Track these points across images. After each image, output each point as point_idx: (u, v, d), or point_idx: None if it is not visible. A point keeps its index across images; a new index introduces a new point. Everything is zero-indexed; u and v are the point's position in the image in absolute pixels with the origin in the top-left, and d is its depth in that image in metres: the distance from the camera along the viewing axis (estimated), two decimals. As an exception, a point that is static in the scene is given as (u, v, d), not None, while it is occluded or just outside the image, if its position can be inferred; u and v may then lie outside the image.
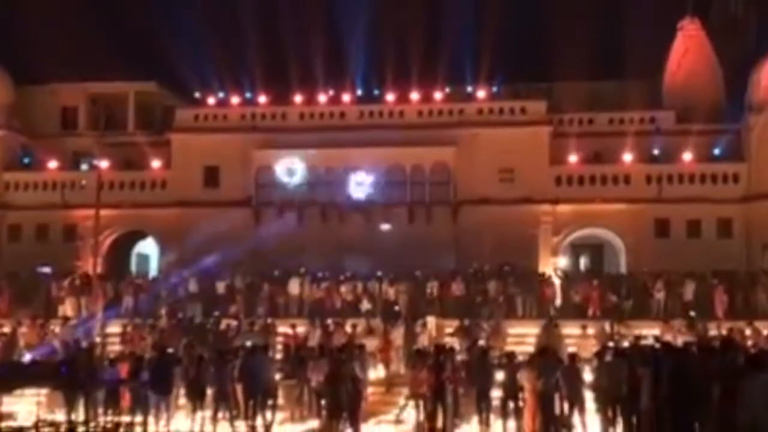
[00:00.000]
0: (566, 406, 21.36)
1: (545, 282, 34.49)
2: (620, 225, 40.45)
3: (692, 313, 31.03)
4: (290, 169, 41.66)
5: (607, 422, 21.22)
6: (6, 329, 31.72)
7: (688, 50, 43.79)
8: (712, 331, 28.34)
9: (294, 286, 34.84)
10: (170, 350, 25.78)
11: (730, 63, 43.20)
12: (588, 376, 22.39)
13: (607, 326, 29.98)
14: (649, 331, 28.57)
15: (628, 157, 41.02)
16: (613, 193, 40.69)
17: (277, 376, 24.11)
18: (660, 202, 40.21)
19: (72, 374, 23.06)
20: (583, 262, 43.35)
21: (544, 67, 44.82)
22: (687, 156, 40.80)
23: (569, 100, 43.33)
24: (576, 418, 21.35)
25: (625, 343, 25.22)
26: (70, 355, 25.22)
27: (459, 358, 24.08)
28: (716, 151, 41.57)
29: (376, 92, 44.90)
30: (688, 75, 42.99)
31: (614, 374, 21.07)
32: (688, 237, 39.89)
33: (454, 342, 27.89)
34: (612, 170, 41.31)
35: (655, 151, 41.79)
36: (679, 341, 25.00)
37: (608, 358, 22.58)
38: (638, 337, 26.19)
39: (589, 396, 21.67)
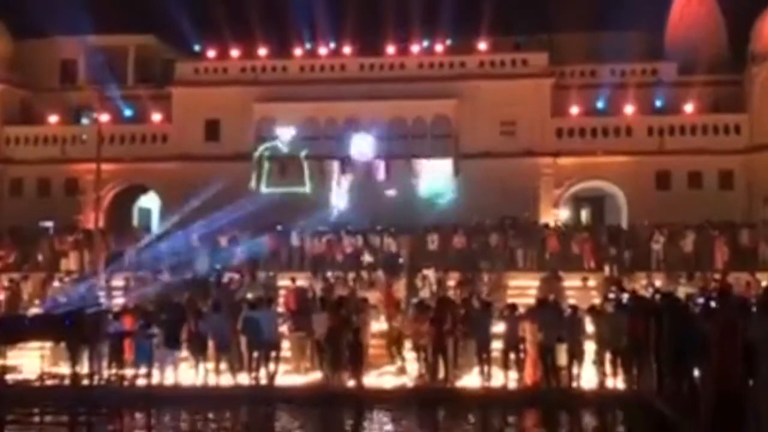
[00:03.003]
0: (567, 358, 21.57)
1: (548, 233, 34.50)
2: (621, 177, 40.44)
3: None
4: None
5: (604, 373, 21.45)
6: (9, 283, 31.83)
7: (691, 1, 43.51)
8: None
9: (295, 239, 34.85)
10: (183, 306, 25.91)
11: (732, 13, 42.91)
12: (589, 327, 22.55)
13: (606, 271, 30.18)
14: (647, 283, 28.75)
15: (629, 109, 40.93)
16: (615, 146, 40.65)
17: (284, 328, 24.26)
18: (661, 154, 40.18)
19: (76, 327, 23.27)
20: (584, 214, 43.37)
21: (545, 19, 44.52)
22: (689, 107, 40.71)
23: (570, 51, 43.11)
24: (574, 369, 21.55)
25: (625, 295, 25.33)
26: (74, 309, 25.32)
27: (459, 310, 24.16)
28: (718, 103, 41.43)
29: (376, 44, 44.60)
30: (691, 25, 42.75)
31: (615, 325, 21.27)
32: (689, 189, 39.91)
33: (455, 294, 28.04)
34: (613, 122, 41.27)
35: (657, 103, 41.68)
36: (681, 292, 25.10)
37: (609, 309, 22.76)
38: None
39: (590, 347, 21.84)
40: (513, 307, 23.08)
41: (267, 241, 34.64)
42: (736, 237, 33.10)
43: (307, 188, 40.88)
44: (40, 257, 35.53)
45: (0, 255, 35.39)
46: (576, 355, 21.59)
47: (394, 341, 24.16)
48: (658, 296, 23.10)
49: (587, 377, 21.69)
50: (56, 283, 31.29)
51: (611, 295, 25.66)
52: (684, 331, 17.14)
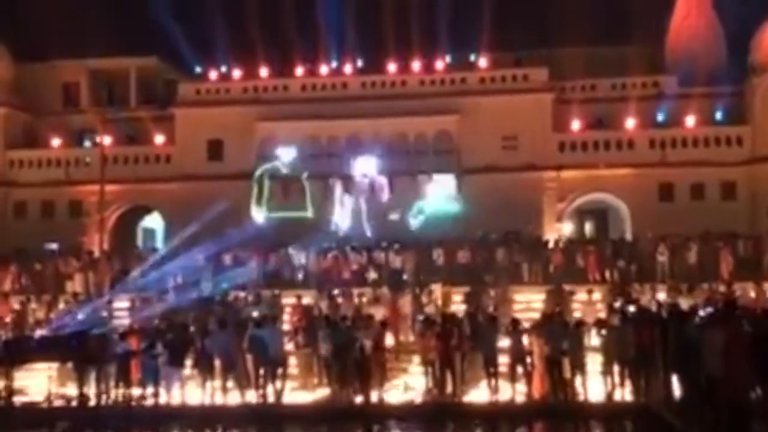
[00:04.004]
0: (569, 371, 21.57)
1: (552, 248, 34.51)
2: (624, 190, 40.46)
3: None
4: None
5: (612, 385, 21.42)
6: (16, 306, 31.88)
7: (690, 13, 43.66)
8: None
9: (299, 257, 34.85)
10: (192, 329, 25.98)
11: (732, 24, 43.04)
12: (595, 340, 22.56)
13: (611, 283, 30.24)
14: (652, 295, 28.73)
15: (631, 122, 41.02)
16: (617, 159, 40.72)
17: (290, 346, 24.27)
18: (664, 167, 40.23)
19: (82, 348, 23.30)
20: (588, 227, 43.37)
21: (545, 34, 44.63)
22: (690, 120, 40.77)
23: (571, 66, 43.19)
24: (578, 382, 21.55)
25: (631, 308, 25.33)
26: (80, 330, 25.36)
27: (466, 325, 24.15)
28: (719, 114, 41.53)
29: (377, 62, 44.77)
30: (690, 38, 42.85)
31: (621, 337, 21.27)
32: (692, 200, 39.94)
33: (461, 310, 28.03)
34: (615, 135, 41.36)
35: (659, 116, 41.77)
36: (684, 304, 25.09)
37: (615, 321, 22.76)
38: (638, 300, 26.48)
39: (597, 359, 21.83)
40: (516, 322, 23.08)
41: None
42: (740, 248, 33.12)
43: (309, 209, 40.78)
44: (45, 279, 35.55)
45: (10, 277, 35.47)
46: (578, 367, 21.57)
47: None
48: (663, 309, 23.14)
49: (595, 389, 21.66)
50: (62, 305, 31.32)
51: (617, 305, 25.70)
52: (688, 341, 17.18)
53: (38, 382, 24.35)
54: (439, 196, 40.29)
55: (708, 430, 15.83)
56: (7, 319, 30.12)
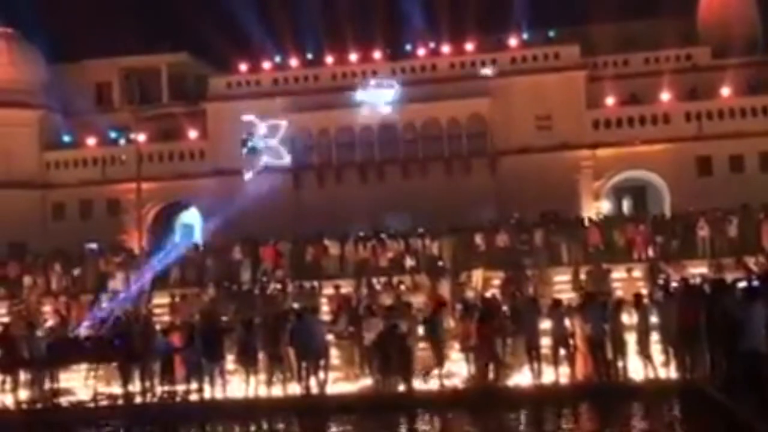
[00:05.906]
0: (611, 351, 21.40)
1: (590, 226, 34.26)
2: (662, 165, 40.03)
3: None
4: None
5: (654, 364, 21.21)
6: (59, 306, 32.18)
7: (720, -17, 43.12)
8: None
9: (334, 248, 34.83)
10: (224, 318, 26.08)
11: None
12: (635, 318, 22.34)
13: (655, 266, 29.98)
14: (696, 270, 28.47)
15: (665, 96, 40.56)
16: (653, 134, 40.32)
17: (330, 336, 24.26)
18: (701, 140, 39.77)
19: (126, 347, 23.48)
20: (626, 204, 42.99)
21: (575, 10, 44.26)
22: (725, 91, 40.25)
23: (602, 42, 42.79)
24: (620, 361, 21.38)
25: (674, 283, 25.09)
26: (123, 328, 25.55)
27: (506, 308, 24.05)
28: (755, 84, 40.96)
29: (406, 47, 44.65)
30: (722, 8, 42.39)
31: (665, 314, 21.06)
32: (731, 172, 39.46)
33: (500, 293, 27.92)
34: (650, 110, 40.91)
35: (694, 89, 41.28)
36: (727, 277, 24.79)
37: (659, 297, 22.55)
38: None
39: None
40: (557, 302, 22.94)
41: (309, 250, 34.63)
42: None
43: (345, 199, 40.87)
44: (87, 279, 35.87)
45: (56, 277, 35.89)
46: (618, 347, 21.38)
47: None
48: (706, 285, 22.86)
49: (638, 368, 21.46)
50: (104, 304, 31.59)
51: (660, 281, 25.46)
52: (731, 316, 16.98)
53: (84, 382, 24.59)
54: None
55: (754, 406, 15.61)
56: (51, 321, 30.38)
